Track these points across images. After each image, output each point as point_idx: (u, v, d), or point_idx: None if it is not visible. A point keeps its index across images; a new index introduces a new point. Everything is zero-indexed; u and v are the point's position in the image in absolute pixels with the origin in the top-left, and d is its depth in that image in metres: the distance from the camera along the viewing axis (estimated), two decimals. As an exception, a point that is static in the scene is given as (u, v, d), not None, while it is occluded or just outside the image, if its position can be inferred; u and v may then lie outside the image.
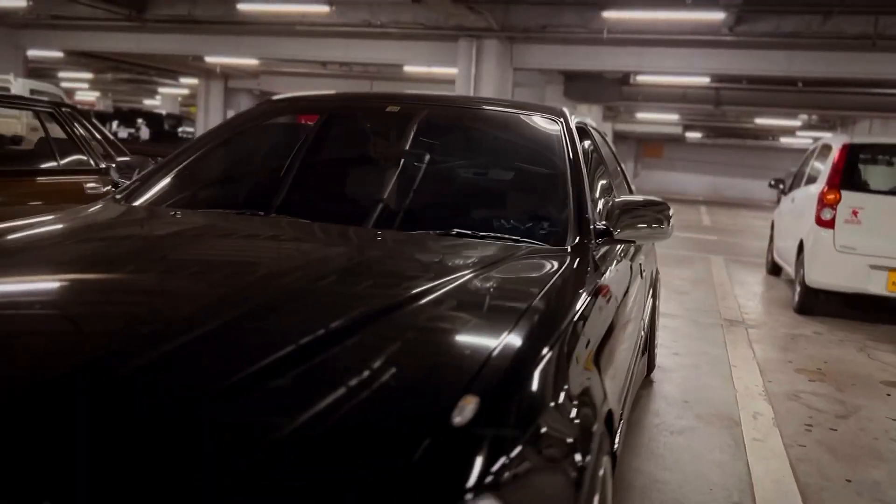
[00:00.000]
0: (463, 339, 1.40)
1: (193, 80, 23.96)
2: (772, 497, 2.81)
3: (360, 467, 0.98)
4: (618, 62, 12.79)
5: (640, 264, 2.99)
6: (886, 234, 6.15)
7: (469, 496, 0.96)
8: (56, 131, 6.07)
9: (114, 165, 2.93)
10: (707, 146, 34.21)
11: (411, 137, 2.61)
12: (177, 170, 2.66)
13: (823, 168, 6.89)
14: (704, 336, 5.47)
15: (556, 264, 1.88)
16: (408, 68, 17.59)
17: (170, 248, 1.95)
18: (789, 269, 7.36)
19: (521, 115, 2.64)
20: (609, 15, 10.30)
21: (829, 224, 6.33)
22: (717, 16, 10.01)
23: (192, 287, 1.61)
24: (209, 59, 17.80)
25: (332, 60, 16.32)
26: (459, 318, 1.48)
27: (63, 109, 5.97)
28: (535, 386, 1.24)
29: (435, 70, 16.82)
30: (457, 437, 1.05)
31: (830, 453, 3.32)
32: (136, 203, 2.46)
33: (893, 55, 11.01)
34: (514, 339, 1.35)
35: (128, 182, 2.74)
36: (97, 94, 31.82)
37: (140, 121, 17.95)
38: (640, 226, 2.26)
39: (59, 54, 18.65)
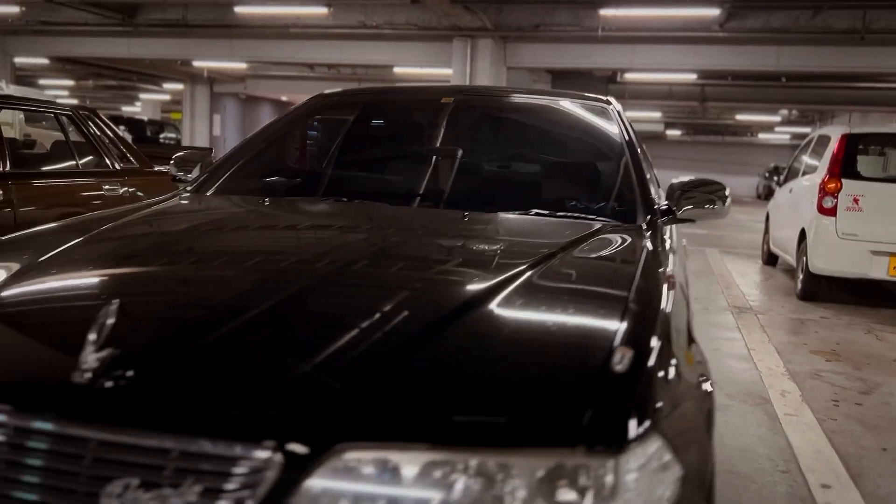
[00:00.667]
0: (595, 300, 1.52)
1: (177, 86, 23.86)
2: (816, 465, 2.94)
3: (545, 410, 1.09)
4: (610, 60, 12.97)
5: (685, 244, 3.12)
6: (887, 220, 6.34)
7: (640, 431, 1.07)
8: (72, 134, 6.10)
9: (172, 161, 3.00)
10: (687, 143, 34.69)
11: (475, 127, 2.73)
12: (241, 162, 2.75)
13: (822, 158, 7.08)
14: (717, 322, 5.62)
15: (638, 239, 2.00)
16: (398, 69, 17.67)
17: (281, 228, 2.07)
18: (789, 258, 7.55)
19: (577, 103, 2.76)
20: (606, 13, 10.47)
21: (831, 212, 6.52)
22: (712, 12, 10.22)
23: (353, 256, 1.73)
24: (200, 64, 17.77)
25: (327, 62, 16.36)
26: (584, 281, 1.62)
27: (81, 112, 6.01)
28: (671, 333, 1.38)
29: (426, 71, 16.92)
30: (621, 381, 1.16)
31: (861, 425, 3.47)
32: (211, 193, 2.54)
33: (881, 48, 11.29)
34: (639, 300, 1.47)
35: (187, 175, 2.84)
36: (75, 101, 31.62)
37: (122, 127, 17.88)
38: (700, 205, 2.39)
39: (44, 61, 18.53)
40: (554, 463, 1.03)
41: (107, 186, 6.14)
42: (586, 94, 2.91)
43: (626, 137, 2.57)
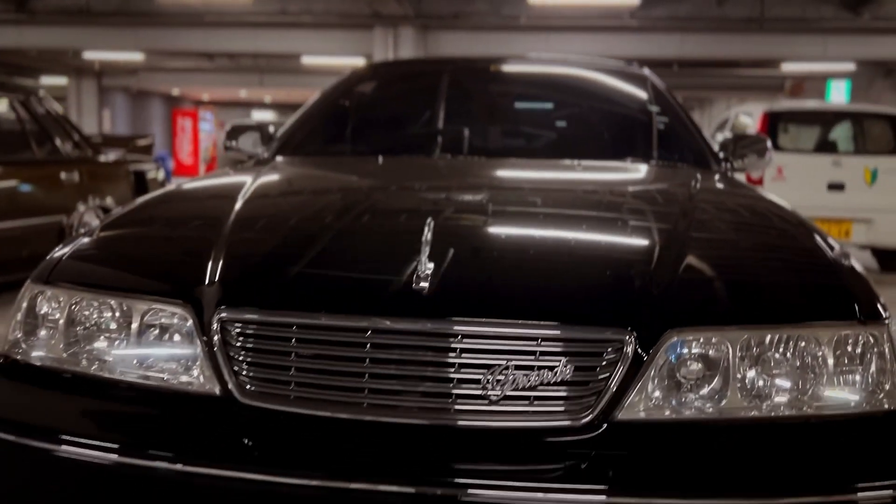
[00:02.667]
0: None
1: (60, 80, 22.39)
2: None
3: (824, 297, 1.34)
4: (527, 48, 13.36)
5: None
6: (806, 187, 7.07)
7: (887, 314, 1.32)
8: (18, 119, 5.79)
9: (227, 129, 3.01)
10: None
11: (533, 94, 2.95)
12: (312, 128, 2.82)
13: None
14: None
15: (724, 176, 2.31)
16: (308, 60, 17.42)
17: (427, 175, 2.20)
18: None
19: (623, 72, 2.99)
20: (535, 0, 10.82)
21: (759, 182, 7.15)
22: (633, 1, 10.78)
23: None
24: (96, 55, 16.79)
25: (242, 52, 15.87)
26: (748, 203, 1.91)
27: (36, 97, 5.71)
28: None
29: (339, 62, 16.80)
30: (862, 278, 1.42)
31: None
32: (293, 157, 2.57)
33: (777, 36, 12.29)
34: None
35: (235, 144, 2.87)
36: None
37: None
38: (755, 155, 2.70)
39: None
40: (845, 332, 1.26)
41: (63, 173, 5.89)
42: (623, 65, 3.16)
43: (674, 100, 2.84)
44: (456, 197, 1.86)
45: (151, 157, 7.22)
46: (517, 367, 1.18)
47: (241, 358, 1.25)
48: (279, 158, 2.54)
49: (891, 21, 11.98)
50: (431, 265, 1.26)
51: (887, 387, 1.25)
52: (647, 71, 3.02)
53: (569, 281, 1.33)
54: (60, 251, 1.53)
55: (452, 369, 1.19)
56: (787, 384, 1.24)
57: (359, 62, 16.10)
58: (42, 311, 1.44)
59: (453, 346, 1.19)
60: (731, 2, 11.74)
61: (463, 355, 1.19)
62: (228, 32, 13.33)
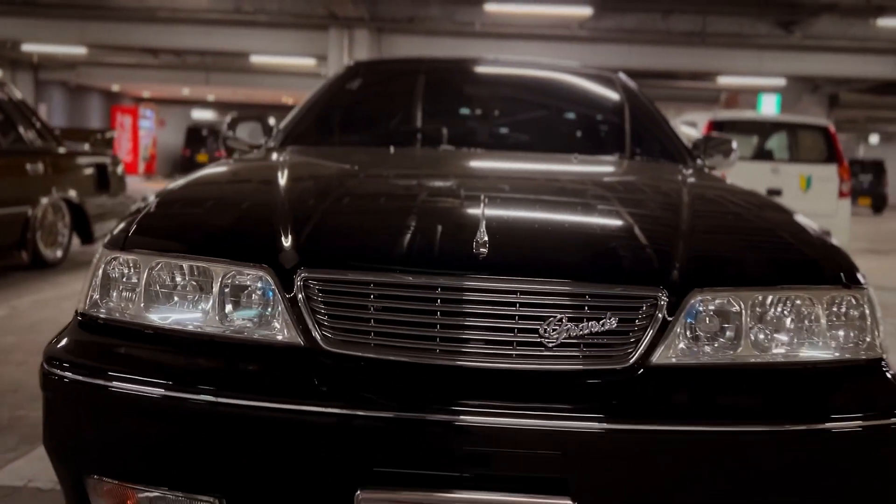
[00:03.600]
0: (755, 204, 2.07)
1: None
2: None
3: (818, 265, 1.59)
4: (481, 54, 13.67)
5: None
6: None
7: (865, 281, 1.58)
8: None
9: (227, 121, 3.13)
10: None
11: (521, 93, 3.17)
12: (311, 118, 2.97)
13: (693, 141, 8.20)
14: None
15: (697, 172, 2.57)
16: (255, 59, 17.34)
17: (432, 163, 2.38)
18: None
19: (592, 74, 3.24)
20: (490, 8, 11.09)
21: (715, 183, 7.61)
22: (585, 11, 11.18)
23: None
24: (36, 48, 16.33)
25: (193, 49, 15.68)
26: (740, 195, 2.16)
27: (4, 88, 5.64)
28: None
29: (288, 61, 16.77)
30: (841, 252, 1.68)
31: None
32: (303, 146, 2.73)
33: (717, 50, 12.92)
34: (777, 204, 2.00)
35: (233, 135, 3.01)
36: None
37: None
38: (721, 155, 3.00)
39: None
40: (831, 294, 1.51)
41: (28, 164, 5.83)
42: (595, 68, 3.41)
43: (648, 100, 3.11)
44: (496, 179, 2.10)
45: (113, 151, 7.17)
46: (569, 319, 1.39)
47: (323, 312, 1.42)
48: (290, 148, 2.68)
49: (819, 39, 12.75)
50: (491, 233, 1.45)
51: (868, 339, 1.51)
52: (623, 76, 3.29)
53: (610, 248, 1.55)
54: (129, 221, 1.66)
55: (513, 321, 1.39)
56: (786, 336, 1.48)
57: (310, 63, 16.13)
58: (119, 275, 1.57)
59: (513, 301, 1.39)
60: (674, 16, 12.30)
61: (521, 309, 1.39)
62: (181, 29, 13.20)
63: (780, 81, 15.83)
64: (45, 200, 5.93)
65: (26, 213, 5.68)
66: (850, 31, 12.42)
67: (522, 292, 1.40)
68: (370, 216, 1.72)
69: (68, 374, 1.46)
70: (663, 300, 1.42)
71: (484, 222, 1.48)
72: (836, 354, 1.49)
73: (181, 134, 27.19)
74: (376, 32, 13.05)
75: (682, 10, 11.96)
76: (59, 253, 6.20)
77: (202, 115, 31.24)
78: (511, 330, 1.39)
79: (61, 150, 6.28)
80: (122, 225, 1.67)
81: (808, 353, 1.48)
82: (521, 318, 1.39)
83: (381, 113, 3.12)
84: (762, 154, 8.78)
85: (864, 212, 22.52)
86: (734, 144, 3.10)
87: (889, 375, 1.51)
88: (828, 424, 1.38)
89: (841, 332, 1.51)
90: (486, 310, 1.40)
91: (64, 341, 1.54)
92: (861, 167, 24.26)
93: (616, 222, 1.71)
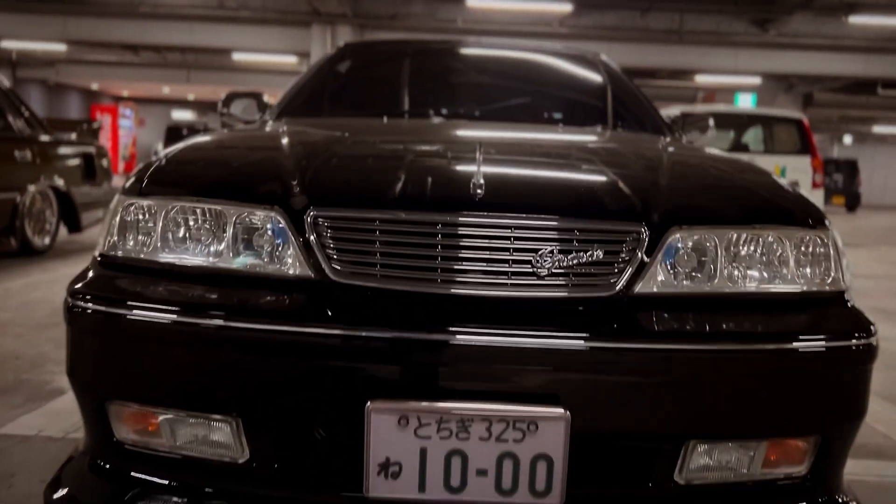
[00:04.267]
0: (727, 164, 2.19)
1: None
2: None
3: (790, 209, 1.72)
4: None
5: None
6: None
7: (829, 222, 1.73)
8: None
9: (223, 97, 3.24)
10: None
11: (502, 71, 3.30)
12: (304, 96, 3.08)
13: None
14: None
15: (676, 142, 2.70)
16: (237, 56, 17.35)
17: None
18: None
19: (571, 54, 3.39)
20: (472, 4, 11.25)
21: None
22: (565, 7, 11.37)
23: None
24: (19, 45, 16.19)
25: (176, 45, 15.63)
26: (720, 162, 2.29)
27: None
28: None
29: (270, 59, 16.80)
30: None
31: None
32: (298, 118, 2.83)
33: (694, 48, 13.16)
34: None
35: (227, 111, 3.13)
36: None
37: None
38: (698, 131, 3.16)
39: None
40: (799, 235, 1.65)
41: (17, 152, 5.88)
42: (578, 48, 3.55)
43: (629, 79, 3.26)
44: (489, 137, 2.23)
45: (98, 141, 7.21)
46: (559, 252, 1.51)
47: (332, 247, 1.53)
48: (285, 119, 2.79)
49: (793, 37, 13.05)
50: (487, 176, 1.58)
51: (833, 275, 1.65)
52: (604, 56, 3.44)
53: (596, 190, 1.68)
54: (143, 171, 1.76)
55: (508, 253, 1.51)
56: (757, 272, 1.62)
57: (292, 61, 16.17)
58: (136, 220, 1.67)
59: (507, 235, 1.51)
60: (653, 14, 12.53)
61: (515, 243, 1.51)
62: (163, 25, 13.21)
63: (756, 80, 16.15)
64: (32, 188, 5.97)
65: (15, 199, 5.72)
66: (823, 29, 12.73)
67: (516, 227, 1.52)
68: (375, 160, 1.85)
69: (90, 305, 1.56)
70: (644, 236, 1.55)
71: (480, 166, 1.60)
72: (804, 287, 1.63)
73: (161, 133, 27.08)
74: (359, 29, 13.15)
75: (660, 7, 12.19)
76: (46, 240, 6.24)
77: (182, 115, 31.11)
78: (506, 261, 1.51)
79: (49, 138, 6.33)
80: (136, 174, 1.77)
81: (777, 286, 1.62)
82: (516, 250, 1.51)
83: (372, 89, 3.23)
84: (738, 147, 9.00)
85: (839, 210, 22.97)
86: (711, 122, 3.26)
87: (850, 305, 1.65)
88: (796, 344, 1.52)
89: (808, 268, 1.65)
90: (483, 243, 1.51)
91: (86, 278, 1.64)
92: (835, 166, 24.74)
93: (602, 170, 1.84)
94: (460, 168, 1.69)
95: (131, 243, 1.66)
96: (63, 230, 6.58)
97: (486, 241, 1.52)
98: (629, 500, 1.56)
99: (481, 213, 1.53)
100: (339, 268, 1.53)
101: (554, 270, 1.51)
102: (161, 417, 1.56)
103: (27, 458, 2.08)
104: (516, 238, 1.52)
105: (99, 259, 1.69)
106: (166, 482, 1.58)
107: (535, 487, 1.42)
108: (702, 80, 16.62)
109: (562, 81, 3.32)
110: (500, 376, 1.45)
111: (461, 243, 1.52)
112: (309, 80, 3.18)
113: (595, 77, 3.25)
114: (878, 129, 28.21)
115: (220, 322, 1.49)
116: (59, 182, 6.28)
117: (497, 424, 1.41)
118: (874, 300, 5.68)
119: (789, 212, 1.72)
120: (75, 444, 1.73)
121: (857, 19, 11.61)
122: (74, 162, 6.61)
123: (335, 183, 1.68)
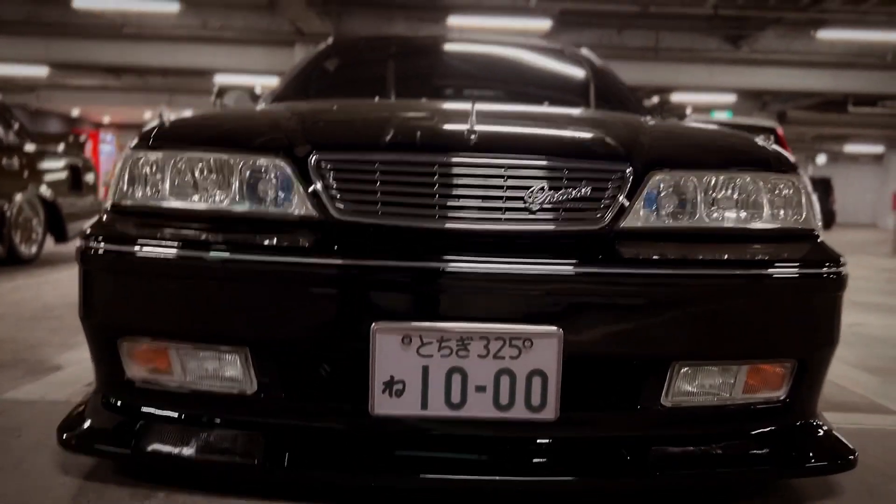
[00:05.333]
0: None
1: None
2: None
3: (754, 158, 1.85)
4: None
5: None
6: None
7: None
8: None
9: (216, 88, 3.34)
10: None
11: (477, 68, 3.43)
12: (295, 85, 3.18)
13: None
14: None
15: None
16: (219, 79, 17.45)
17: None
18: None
19: (555, 49, 3.53)
20: (454, 22, 11.46)
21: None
22: (545, 24, 11.61)
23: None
24: (4, 71, 16.18)
25: (159, 67, 15.63)
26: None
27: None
28: None
29: (253, 81, 16.89)
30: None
31: None
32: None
33: (670, 65, 13.48)
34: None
35: (220, 103, 3.24)
36: None
37: None
38: (676, 118, 3.29)
39: None
40: (773, 178, 1.77)
41: (4, 160, 5.92)
42: (561, 46, 3.69)
43: (611, 71, 3.40)
44: (483, 96, 2.35)
45: (85, 154, 7.25)
46: (550, 188, 1.61)
47: (335, 188, 1.62)
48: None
49: (765, 53, 13.41)
50: (481, 120, 1.68)
51: (803, 214, 1.77)
52: (585, 50, 3.58)
53: (584, 136, 1.80)
54: (150, 129, 1.84)
55: (501, 190, 1.61)
56: (734, 211, 1.73)
57: (274, 83, 16.24)
58: (145, 171, 1.75)
59: (501, 174, 1.61)
60: (629, 31, 12.83)
61: (509, 181, 1.61)
62: (146, 46, 13.30)
63: (731, 98, 16.51)
64: (20, 196, 5.99)
65: (2, 207, 5.74)
66: (794, 46, 13.10)
67: (509, 167, 1.62)
68: (373, 111, 1.96)
69: (102, 244, 1.63)
70: (629, 175, 1.66)
71: (475, 113, 1.70)
72: (777, 225, 1.75)
73: (142, 158, 27.02)
74: (341, 49, 13.33)
75: (636, 25, 12.50)
76: (33, 249, 6.25)
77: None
78: (500, 198, 1.61)
79: (37, 149, 6.37)
80: (142, 134, 1.85)
81: (754, 224, 1.73)
82: (509, 188, 1.62)
83: (362, 78, 3.34)
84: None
85: (814, 225, 23.33)
86: (689, 110, 3.40)
87: (820, 241, 1.77)
88: (770, 270, 1.63)
89: (781, 209, 1.77)
90: (478, 182, 1.62)
91: (98, 223, 1.71)
92: (811, 185, 25.17)
93: (589, 127, 1.98)
94: (456, 114, 1.81)
95: (140, 193, 1.74)
96: (50, 240, 6.59)
97: (481, 179, 1.62)
98: (619, 421, 1.65)
99: (476, 154, 1.63)
100: (342, 206, 1.62)
101: (545, 206, 1.61)
102: (171, 352, 1.63)
103: (34, 417, 2.12)
104: (510, 177, 1.62)
105: (109, 209, 1.76)
106: (176, 415, 1.65)
107: (530, 402, 1.50)
108: (678, 98, 16.96)
109: (547, 72, 3.45)
110: (495, 299, 1.54)
111: (457, 182, 1.62)
112: (301, 71, 3.29)
113: (578, 68, 3.39)
114: (850, 147, 28.81)
115: (228, 255, 1.57)
116: (47, 192, 6.31)
117: (494, 342, 1.50)
118: (862, 296, 5.84)
119: (764, 159, 1.84)
120: (85, 392, 1.79)
121: (825, 34, 11.96)
122: (62, 173, 6.65)
123: (336, 129, 1.79)
